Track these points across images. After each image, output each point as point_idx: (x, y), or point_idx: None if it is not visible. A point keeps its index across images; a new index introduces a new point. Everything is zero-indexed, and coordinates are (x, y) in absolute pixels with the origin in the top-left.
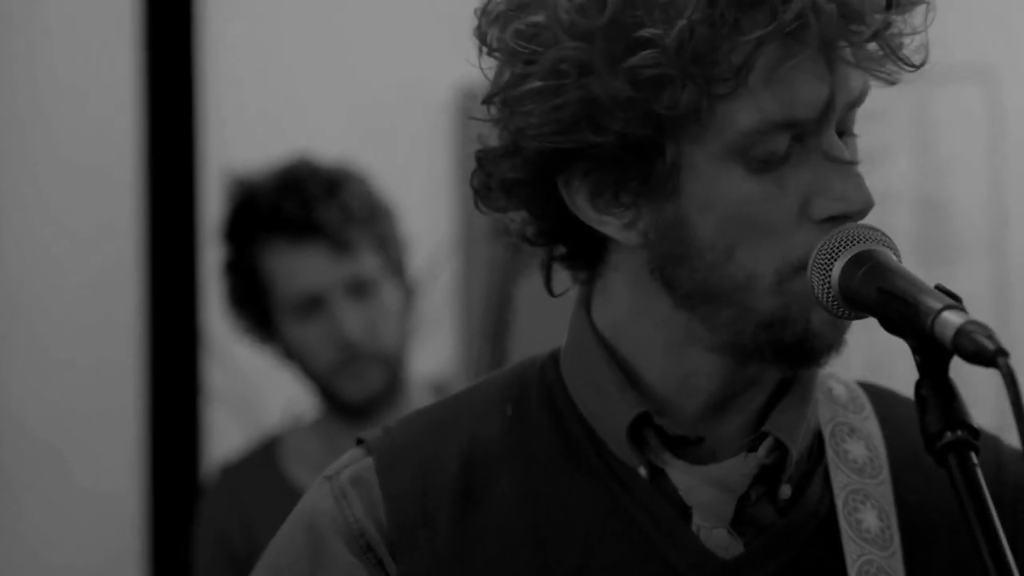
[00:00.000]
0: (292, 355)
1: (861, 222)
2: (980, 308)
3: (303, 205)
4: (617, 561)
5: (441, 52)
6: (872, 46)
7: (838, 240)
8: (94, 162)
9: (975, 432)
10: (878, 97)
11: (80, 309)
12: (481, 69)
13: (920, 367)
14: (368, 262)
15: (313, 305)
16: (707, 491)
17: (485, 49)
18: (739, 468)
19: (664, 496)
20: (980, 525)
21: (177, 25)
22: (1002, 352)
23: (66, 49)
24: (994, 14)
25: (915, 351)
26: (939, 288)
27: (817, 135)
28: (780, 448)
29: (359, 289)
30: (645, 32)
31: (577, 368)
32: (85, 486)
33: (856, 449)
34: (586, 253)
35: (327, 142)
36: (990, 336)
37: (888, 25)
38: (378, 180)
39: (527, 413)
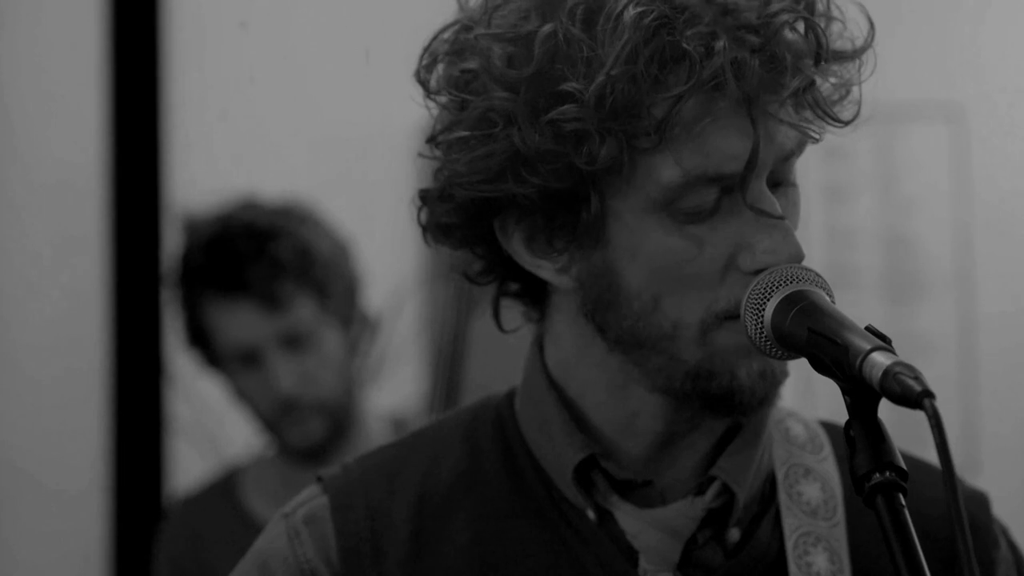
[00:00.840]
0: (239, 398)
1: (797, 264)
2: (946, 345)
3: (233, 263)
4: None
5: (407, 88)
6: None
7: (771, 280)
8: (58, 196)
9: (904, 473)
10: (843, 134)
11: (45, 342)
12: (428, 109)
13: (850, 408)
14: (303, 314)
15: (250, 358)
16: (653, 535)
17: (424, 92)
18: (685, 512)
19: (611, 539)
20: (906, 565)
21: (142, 62)
22: (928, 394)
23: (32, 81)
24: (961, 52)
25: (845, 392)
26: (869, 329)
27: (744, 188)
28: (728, 492)
29: (294, 342)
30: (567, 86)
31: (529, 408)
32: (49, 517)
33: (810, 491)
34: (532, 292)
35: (293, 178)
36: (916, 377)
37: (812, 83)
38: (343, 215)
39: (481, 453)
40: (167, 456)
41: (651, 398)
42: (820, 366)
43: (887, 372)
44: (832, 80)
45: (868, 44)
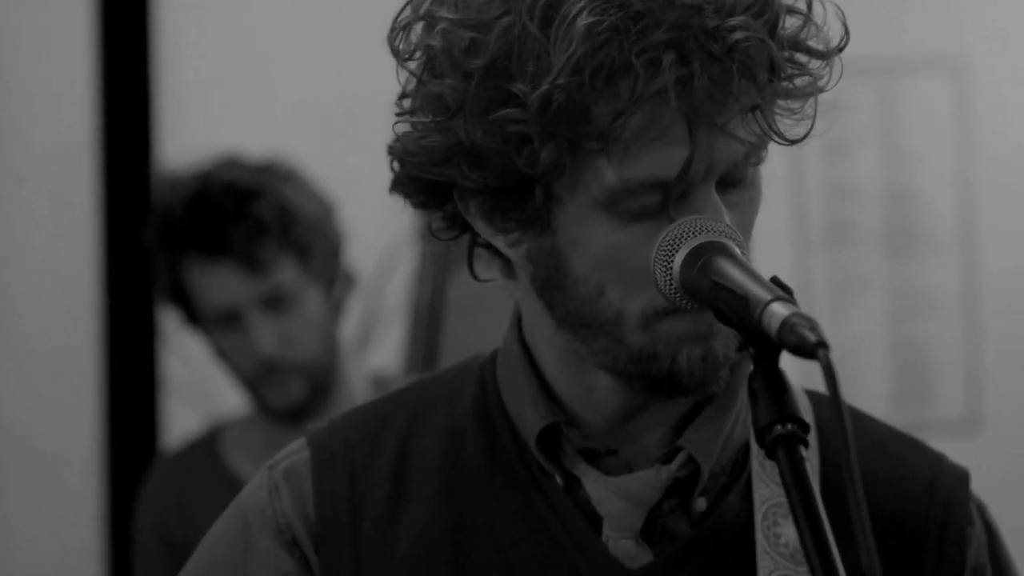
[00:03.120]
0: (220, 357)
1: (707, 216)
2: (950, 301)
3: (213, 223)
4: (529, 566)
5: None
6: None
7: (679, 231)
8: (50, 156)
9: (805, 426)
10: (843, 88)
11: (37, 302)
12: (403, 72)
13: (753, 360)
14: (284, 275)
15: (230, 318)
16: (617, 502)
17: (395, 58)
18: (649, 481)
19: (577, 505)
20: (804, 517)
21: (133, 26)
22: (822, 344)
23: (24, 45)
24: (962, 5)
25: (748, 344)
26: (774, 280)
27: (690, 194)
28: (695, 461)
29: (275, 303)
30: (514, 87)
31: (505, 371)
32: (43, 478)
33: None
34: (500, 252)
35: (283, 139)
36: (813, 328)
37: (755, 107)
38: (333, 176)
39: (461, 414)
40: (161, 416)
41: (603, 376)
42: (723, 317)
43: (784, 323)
44: (786, 94)
45: (836, 51)
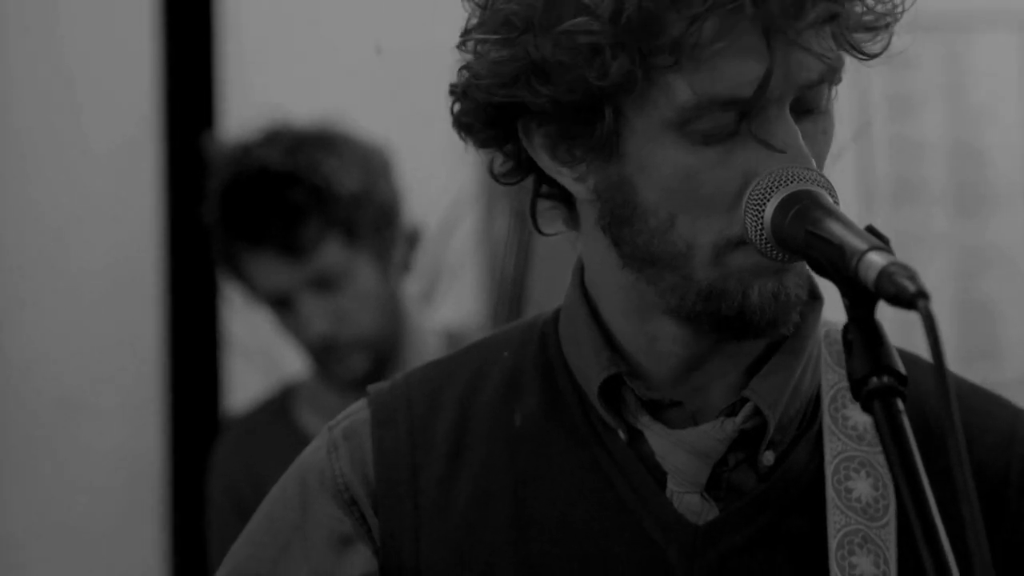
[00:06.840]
0: (284, 333)
1: (798, 165)
2: (1017, 258)
3: (249, 213)
4: (592, 523)
5: None
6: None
7: (771, 181)
8: (115, 126)
9: (902, 378)
10: (911, 44)
11: (101, 263)
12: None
13: (848, 311)
14: (329, 256)
15: (283, 302)
16: (681, 456)
17: None
18: (714, 433)
19: (641, 459)
20: (902, 471)
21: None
22: (923, 294)
23: (85, 22)
24: None
25: (843, 294)
26: (869, 230)
27: (752, 117)
28: (761, 413)
29: (324, 283)
30: None
31: (567, 325)
32: (106, 439)
33: (858, 415)
34: (565, 197)
35: (351, 90)
36: (912, 277)
37: (835, 16)
38: (402, 128)
39: (523, 370)
40: (224, 376)
41: (667, 322)
42: (818, 267)
43: (882, 272)
44: (863, 8)
45: None
